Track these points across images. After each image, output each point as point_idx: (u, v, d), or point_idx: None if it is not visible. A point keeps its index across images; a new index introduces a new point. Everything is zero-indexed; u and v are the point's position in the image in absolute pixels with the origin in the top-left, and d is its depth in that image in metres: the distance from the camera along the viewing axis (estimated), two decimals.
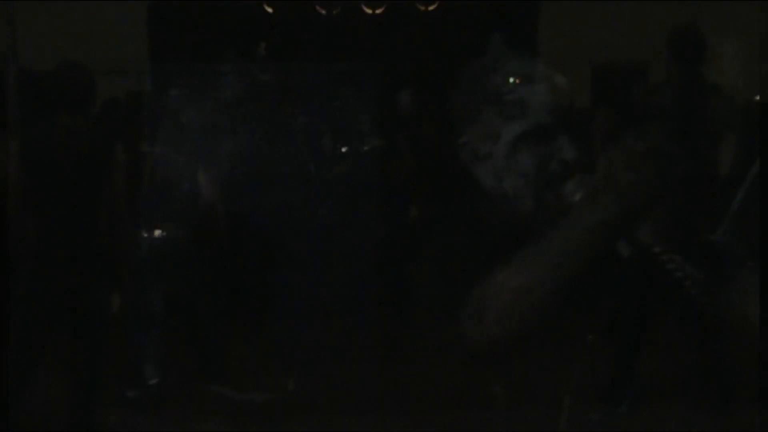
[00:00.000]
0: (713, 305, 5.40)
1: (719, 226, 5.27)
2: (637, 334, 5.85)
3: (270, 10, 8.95)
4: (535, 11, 9.51)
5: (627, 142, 5.30)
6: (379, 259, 8.09)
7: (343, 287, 7.96)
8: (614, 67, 9.00)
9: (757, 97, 6.01)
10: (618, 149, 5.92)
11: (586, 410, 5.84)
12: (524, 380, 6.39)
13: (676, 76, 5.72)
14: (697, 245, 5.23)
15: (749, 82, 8.15)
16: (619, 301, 6.05)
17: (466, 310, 5.46)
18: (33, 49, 8.49)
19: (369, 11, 8.99)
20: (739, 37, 8.53)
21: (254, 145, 7.91)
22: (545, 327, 7.22)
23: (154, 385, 5.94)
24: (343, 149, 8.17)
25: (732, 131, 5.67)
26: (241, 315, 7.59)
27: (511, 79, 7.84)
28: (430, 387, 6.37)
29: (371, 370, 6.70)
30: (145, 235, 5.91)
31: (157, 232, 5.91)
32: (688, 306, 5.70)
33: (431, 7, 9.07)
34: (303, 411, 6.03)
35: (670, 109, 5.58)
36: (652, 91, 5.78)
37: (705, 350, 5.78)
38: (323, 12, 8.97)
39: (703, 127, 5.59)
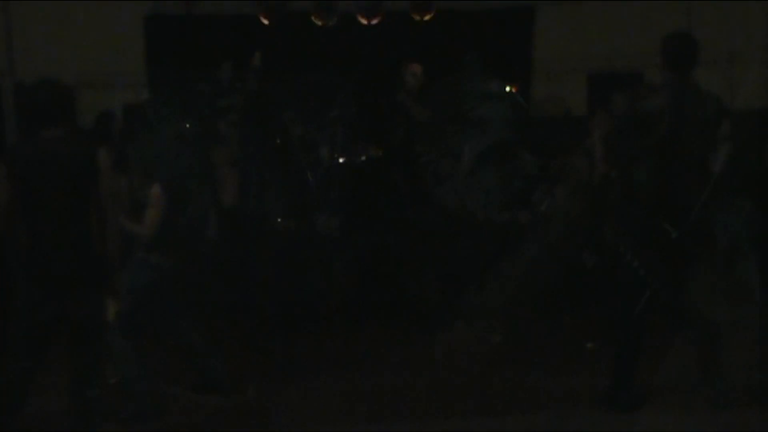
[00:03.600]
0: (678, 303, 5.42)
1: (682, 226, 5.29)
2: (634, 338, 5.83)
3: (266, 21, 8.96)
4: (531, 20, 9.52)
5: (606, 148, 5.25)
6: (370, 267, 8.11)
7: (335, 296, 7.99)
8: (611, 74, 8.99)
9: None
10: (581, 156, 5.94)
11: (588, 415, 5.85)
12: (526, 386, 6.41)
13: (669, 82, 5.72)
14: (662, 244, 5.26)
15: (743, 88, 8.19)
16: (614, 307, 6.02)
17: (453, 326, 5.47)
18: (30, 64, 8.52)
19: (365, 22, 8.99)
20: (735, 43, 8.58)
21: (251, 153, 7.94)
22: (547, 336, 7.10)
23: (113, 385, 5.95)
24: (340, 159, 8.18)
25: (723, 136, 5.67)
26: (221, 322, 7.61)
27: (507, 88, 7.82)
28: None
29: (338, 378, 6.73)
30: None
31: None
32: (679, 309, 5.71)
33: (427, 18, 9.06)
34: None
35: (663, 114, 5.59)
36: (644, 97, 5.77)
37: (701, 352, 5.78)
38: (319, 23, 8.97)
39: (695, 132, 5.60)
